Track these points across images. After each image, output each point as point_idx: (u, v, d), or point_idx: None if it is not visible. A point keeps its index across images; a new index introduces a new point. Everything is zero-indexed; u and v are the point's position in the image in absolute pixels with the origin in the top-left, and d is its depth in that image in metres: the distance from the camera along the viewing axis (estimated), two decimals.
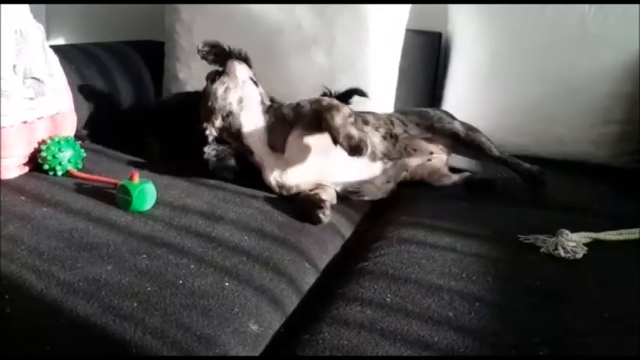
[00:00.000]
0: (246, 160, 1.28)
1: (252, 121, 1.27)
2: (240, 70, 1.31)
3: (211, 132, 1.29)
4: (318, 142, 1.23)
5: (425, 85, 1.84)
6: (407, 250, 1.03)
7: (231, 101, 1.28)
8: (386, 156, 1.31)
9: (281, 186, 1.25)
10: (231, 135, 1.28)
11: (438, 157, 1.42)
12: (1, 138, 1.17)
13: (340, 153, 1.15)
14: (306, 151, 1.23)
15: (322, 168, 1.25)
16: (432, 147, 1.41)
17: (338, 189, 1.27)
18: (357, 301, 0.87)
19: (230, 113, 1.27)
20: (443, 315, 0.83)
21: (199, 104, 1.33)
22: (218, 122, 1.28)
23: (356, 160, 1.18)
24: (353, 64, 1.64)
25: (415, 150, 1.38)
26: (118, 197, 1.10)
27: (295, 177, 1.24)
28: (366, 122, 1.32)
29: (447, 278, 0.94)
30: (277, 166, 1.24)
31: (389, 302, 0.86)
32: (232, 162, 1.26)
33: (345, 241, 1.18)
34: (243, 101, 1.29)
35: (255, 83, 1.33)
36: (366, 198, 1.30)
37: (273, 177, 1.25)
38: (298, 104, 1.27)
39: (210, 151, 1.26)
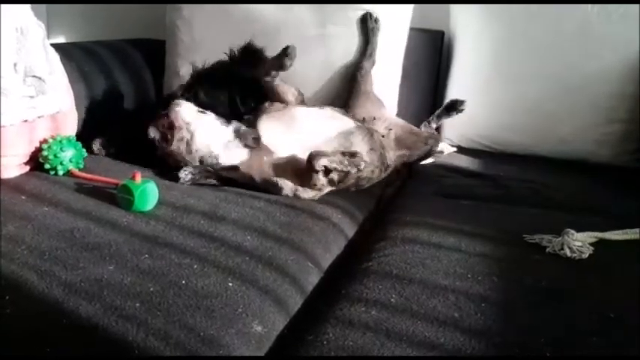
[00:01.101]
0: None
1: (229, 153, 1.28)
2: (183, 114, 1.29)
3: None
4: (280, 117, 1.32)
5: (427, 84, 1.83)
6: (411, 250, 1.02)
7: (199, 148, 1.28)
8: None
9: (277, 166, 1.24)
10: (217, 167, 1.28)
11: (385, 119, 1.47)
12: (1, 137, 1.16)
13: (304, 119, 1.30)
14: (276, 126, 1.30)
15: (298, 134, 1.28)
16: (369, 106, 1.48)
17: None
18: (361, 302, 0.86)
19: (202, 158, 1.28)
20: (448, 315, 0.83)
21: None
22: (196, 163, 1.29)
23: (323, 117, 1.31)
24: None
25: (363, 119, 1.43)
26: (119, 197, 1.09)
27: (282, 150, 1.25)
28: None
29: (452, 278, 0.93)
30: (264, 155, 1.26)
31: (394, 303, 0.86)
32: (212, 181, 1.26)
33: (349, 241, 1.17)
34: (216, 141, 1.28)
35: (204, 111, 1.32)
36: (369, 173, 1.30)
37: (268, 163, 1.25)
38: None
39: (185, 175, 1.25)
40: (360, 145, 1.28)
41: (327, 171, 1.20)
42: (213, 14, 1.71)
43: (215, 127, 1.30)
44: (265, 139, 1.27)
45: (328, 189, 1.26)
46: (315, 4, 1.64)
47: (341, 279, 0.98)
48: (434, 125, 1.62)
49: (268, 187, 1.24)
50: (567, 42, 1.67)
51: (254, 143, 1.26)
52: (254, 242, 1.00)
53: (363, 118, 1.44)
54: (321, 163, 1.18)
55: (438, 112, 1.64)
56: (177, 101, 1.32)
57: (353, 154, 1.19)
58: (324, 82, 1.60)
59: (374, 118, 1.45)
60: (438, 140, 1.54)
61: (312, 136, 1.27)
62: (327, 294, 0.94)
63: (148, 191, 1.09)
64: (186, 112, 1.29)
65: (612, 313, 0.86)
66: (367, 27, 1.60)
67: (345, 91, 1.60)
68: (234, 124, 1.30)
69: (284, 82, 1.37)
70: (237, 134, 1.28)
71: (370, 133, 1.35)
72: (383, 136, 1.39)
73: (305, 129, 1.29)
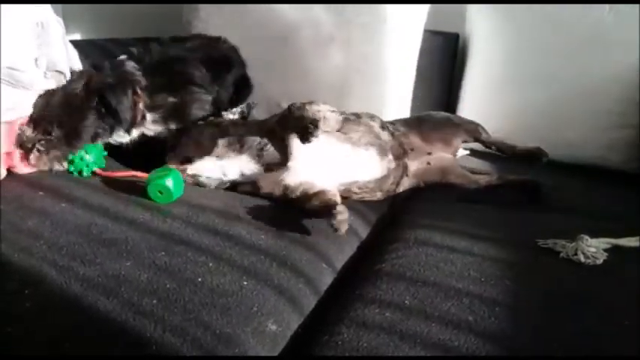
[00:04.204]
0: None
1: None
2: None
3: None
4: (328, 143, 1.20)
5: (441, 86, 1.84)
6: (424, 252, 1.03)
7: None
8: (393, 154, 1.28)
9: (286, 187, 1.18)
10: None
11: (438, 157, 1.37)
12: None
13: (351, 154, 1.20)
14: (310, 152, 1.19)
15: (330, 169, 1.21)
16: (428, 146, 1.37)
17: (341, 188, 1.22)
18: (375, 303, 0.87)
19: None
20: (462, 319, 0.83)
21: None
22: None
23: (365, 159, 1.22)
24: (370, 64, 1.63)
25: (412, 150, 1.34)
26: (157, 186, 1.10)
27: (299, 178, 1.18)
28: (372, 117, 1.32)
29: (466, 282, 0.93)
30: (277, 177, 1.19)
31: (408, 305, 0.86)
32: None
33: (362, 242, 1.17)
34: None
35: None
36: (365, 198, 1.29)
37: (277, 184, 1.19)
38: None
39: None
40: (382, 185, 1.28)
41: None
42: (230, 15, 1.72)
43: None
44: (294, 162, 1.18)
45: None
46: (333, 5, 1.64)
47: (354, 280, 0.98)
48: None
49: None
50: (581, 46, 1.67)
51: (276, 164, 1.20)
52: (268, 241, 1.01)
53: (412, 149, 1.35)
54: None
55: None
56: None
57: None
58: (341, 87, 1.61)
59: (428, 153, 1.37)
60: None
61: (348, 178, 1.23)
62: (340, 294, 0.95)
63: (179, 177, 1.14)
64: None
65: (627, 320, 0.86)
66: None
67: (371, 98, 1.62)
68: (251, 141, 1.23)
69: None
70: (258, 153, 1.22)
71: (399, 171, 1.31)
72: (407, 175, 1.34)
73: (343, 167, 1.22)
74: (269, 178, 1.20)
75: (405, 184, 1.35)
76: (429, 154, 1.36)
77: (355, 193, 1.25)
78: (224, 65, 1.47)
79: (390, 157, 1.27)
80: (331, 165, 1.21)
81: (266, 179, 1.21)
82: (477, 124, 1.45)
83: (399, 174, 1.32)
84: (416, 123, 1.40)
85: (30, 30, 1.17)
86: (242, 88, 1.48)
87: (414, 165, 1.34)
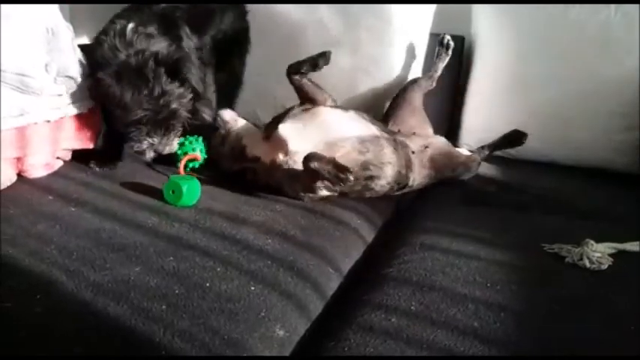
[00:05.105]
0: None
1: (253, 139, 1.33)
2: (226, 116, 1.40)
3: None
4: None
5: (447, 89, 1.83)
6: (431, 257, 1.03)
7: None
8: (390, 143, 1.31)
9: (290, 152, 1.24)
10: (237, 156, 1.32)
11: (432, 142, 1.45)
12: (28, 136, 1.18)
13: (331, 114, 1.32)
14: (298, 122, 1.31)
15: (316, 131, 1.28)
16: (413, 122, 1.51)
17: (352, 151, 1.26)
18: (381, 309, 0.88)
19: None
20: (468, 325, 0.84)
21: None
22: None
23: (346, 116, 1.34)
24: (377, 66, 1.63)
25: (399, 131, 1.44)
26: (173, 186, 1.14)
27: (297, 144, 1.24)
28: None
29: (472, 287, 0.94)
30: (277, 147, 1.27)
31: (414, 310, 0.87)
32: None
33: (368, 246, 1.18)
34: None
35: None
36: (378, 187, 1.29)
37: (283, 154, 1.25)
38: None
39: None
40: (379, 156, 1.28)
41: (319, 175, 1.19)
42: None
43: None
44: (285, 133, 1.26)
45: (325, 193, 1.24)
46: (340, 5, 1.64)
47: (361, 284, 0.99)
48: (487, 152, 1.60)
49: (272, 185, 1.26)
50: (588, 47, 1.66)
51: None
52: (275, 246, 1.02)
53: (399, 130, 1.44)
54: (310, 164, 1.16)
55: (496, 141, 1.62)
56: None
57: (343, 169, 1.15)
58: (348, 88, 1.61)
59: (413, 134, 1.44)
60: (479, 164, 1.53)
61: (330, 133, 1.26)
62: (347, 299, 0.95)
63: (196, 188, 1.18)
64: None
65: (632, 325, 0.87)
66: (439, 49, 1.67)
67: (378, 100, 1.62)
68: None
69: (317, 85, 1.41)
70: None
71: (397, 146, 1.33)
72: (413, 152, 1.38)
73: (324, 126, 1.28)
74: (268, 151, 1.28)
75: (417, 177, 1.38)
76: (414, 134, 1.45)
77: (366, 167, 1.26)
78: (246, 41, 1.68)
79: (375, 125, 1.35)
80: (317, 127, 1.29)
81: (266, 153, 1.27)
82: (421, 77, 1.66)
83: (401, 161, 1.33)
84: (387, 115, 1.55)
85: (40, 36, 1.18)
86: None
87: (413, 144, 1.39)
